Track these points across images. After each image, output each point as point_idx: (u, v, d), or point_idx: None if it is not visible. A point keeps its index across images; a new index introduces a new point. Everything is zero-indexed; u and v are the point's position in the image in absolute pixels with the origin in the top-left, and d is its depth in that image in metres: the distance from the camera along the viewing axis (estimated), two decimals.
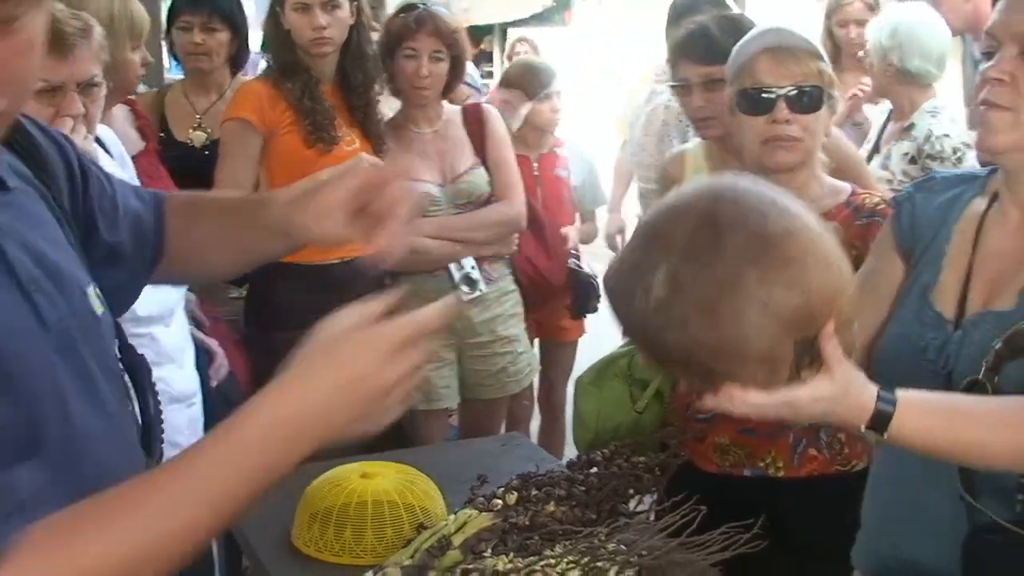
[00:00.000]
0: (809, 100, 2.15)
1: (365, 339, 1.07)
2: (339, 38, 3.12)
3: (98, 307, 1.23)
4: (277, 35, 3.15)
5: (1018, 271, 1.57)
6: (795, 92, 2.13)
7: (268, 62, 3.27)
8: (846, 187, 2.25)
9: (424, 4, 3.27)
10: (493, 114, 3.51)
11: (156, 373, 2.29)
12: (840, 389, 1.36)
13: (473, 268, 3.30)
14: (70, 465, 1.07)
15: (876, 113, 3.85)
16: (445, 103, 3.43)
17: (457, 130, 3.39)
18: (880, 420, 1.37)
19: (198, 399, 2.56)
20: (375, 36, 3.35)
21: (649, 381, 2.35)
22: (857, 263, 2.09)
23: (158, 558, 0.98)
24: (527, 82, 4.05)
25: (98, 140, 2.51)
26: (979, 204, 1.68)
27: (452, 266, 3.28)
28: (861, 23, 4.19)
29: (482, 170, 3.36)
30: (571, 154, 4.19)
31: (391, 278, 3.40)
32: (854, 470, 2.21)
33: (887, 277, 1.75)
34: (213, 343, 2.80)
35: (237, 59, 3.62)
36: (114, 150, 2.56)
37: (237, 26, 3.55)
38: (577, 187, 4.11)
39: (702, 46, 2.59)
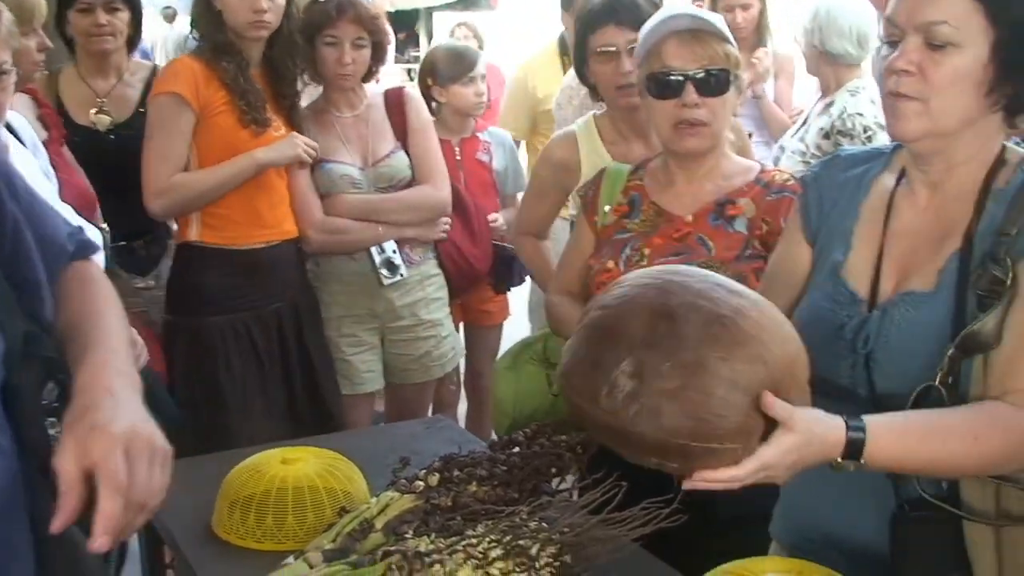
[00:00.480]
0: (717, 83, 2.17)
1: None
2: (275, 23, 3.10)
3: None
4: (209, 14, 3.10)
5: (934, 252, 1.59)
6: (703, 75, 2.15)
7: (195, 39, 3.20)
8: (755, 165, 2.30)
9: None
10: (415, 98, 3.50)
11: None
12: (803, 438, 1.41)
13: (395, 252, 3.29)
14: None
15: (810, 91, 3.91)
16: (367, 86, 3.41)
17: (378, 114, 3.38)
18: (854, 449, 1.44)
19: None
20: None
21: None
22: (769, 236, 2.13)
23: None
24: (448, 66, 4.03)
25: (9, 128, 2.46)
26: (886, 180, 1.70)
27: (373, 249, 3.27)
28: (746, 7, 4.29)
29: (403, 154, 3.35)
30: (493, 139, 4.18)
31: (313, 263, 3.38)
32: None
33: (796, 261, 1.78)
34: (132, 331, 2.75)
35: (133, 40, 3.55)
36: (26, 137, 2.50)
37: (135, 6, 3.48)
38: (499, 172, 4.10)
39: (631, 11, 2.61)
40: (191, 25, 3.23)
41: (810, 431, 1.42)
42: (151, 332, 3.04)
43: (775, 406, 1.39)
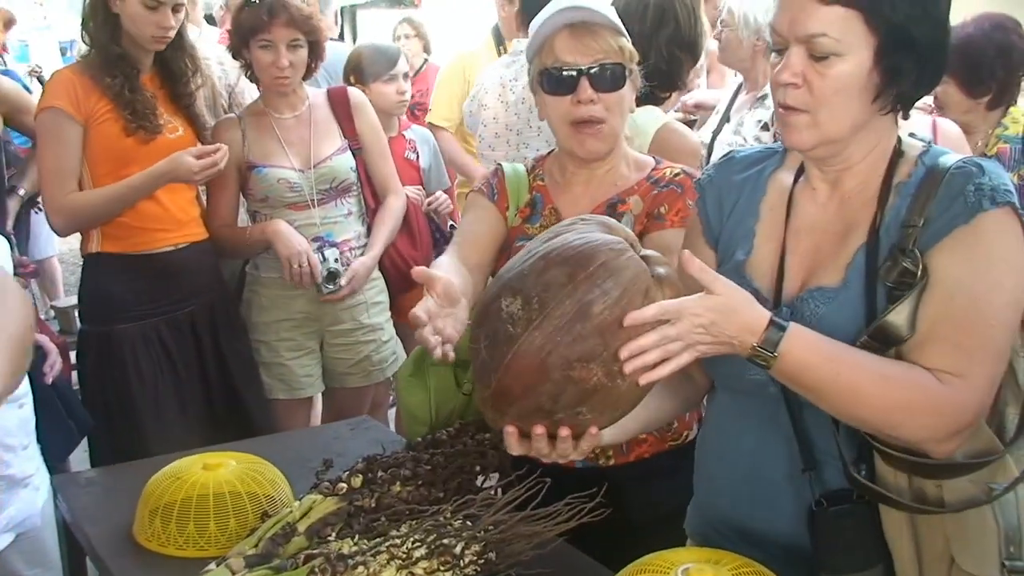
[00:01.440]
0: (612, 78, 2.11)
1: None
2: (173, 35, 3.05)
3: None
4: (106, 24, 3.01)
5: (838, 247, 1.60)
6: (597, 70, 2.09)
7: (87, 44, 3.13)
8: (650, 161, 2.24)
9: None
10: (361, 98, 3.46)
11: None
12: (726, 302, 1.42)
13: (336, 260, 3.22)
14: None
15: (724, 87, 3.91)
16: (307, 87, 3.37)
17: (322, 113, 3.34)
18: (771, 338, 1.43)
19: (28, 399, 2.46)
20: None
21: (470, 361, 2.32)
22: (649, 229, 2.10)
23: None
24: (370, 64, 4.01)
25: None
26: (784, 178, 1.71)
27: (305, 267, 3.16)
28: None
29: (348, 155, 3.31)
30: (417, 137, 4.18)
31: (253, 267, 3.34)
32: (687, 441, 2.24)
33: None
34: (45, 339, 2.70)
35: None
36: None
37: None
38: (424, 169, 4.10)
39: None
40: (81, 26, 3.14)
41: (733, 302, 1.42)
42: (63, 342, 2.98)
43: (695, 269, 1.41)
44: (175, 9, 3.00)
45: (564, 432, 1.50)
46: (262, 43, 3.15)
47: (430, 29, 6.63)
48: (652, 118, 2.76)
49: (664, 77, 2.80)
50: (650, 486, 2.17)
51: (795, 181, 1.68)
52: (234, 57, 3.29)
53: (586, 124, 2.11)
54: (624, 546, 1.65)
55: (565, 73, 2.10)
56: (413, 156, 4.06)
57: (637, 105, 2.30)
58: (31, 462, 2.47)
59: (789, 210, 1.66)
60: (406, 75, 4.05)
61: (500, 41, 4.66)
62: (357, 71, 4.04)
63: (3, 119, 3.73)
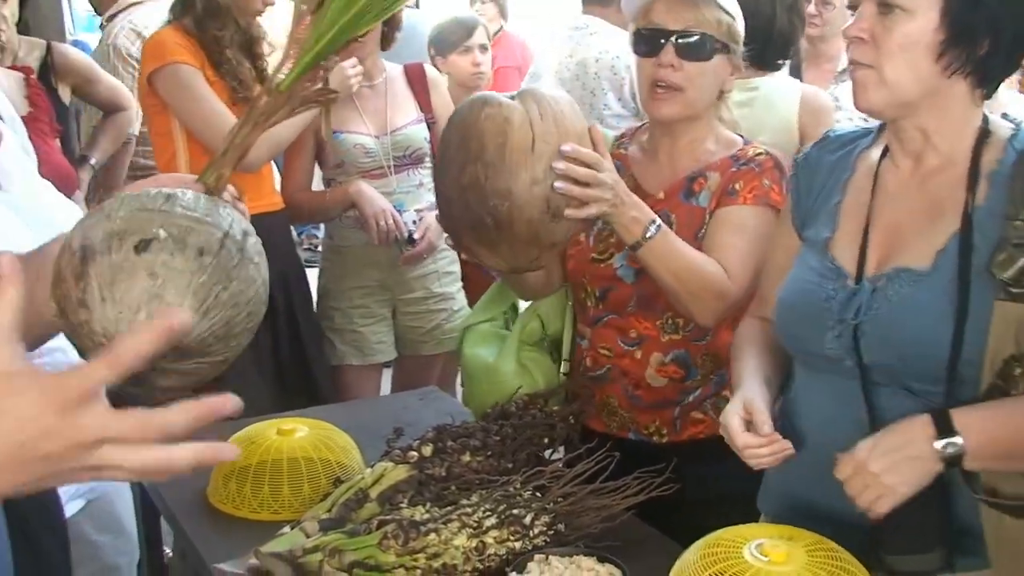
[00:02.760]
0: (696, 47, 2.09)
1: (32, 396, 0.82)
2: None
3: None
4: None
5: (925, 227, 1.60)
6: (684, 36, 2.09)
7: (181, 6, 3.14)
8: (738, 141, 2.22)
9: None
10: (436, 75, 3.47)
11: None
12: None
13: (414, 223, 3.22)
14: None
15: None
16: (386, 62, 3.38)
17: (399, 87, 3.36)
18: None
19: None
20: None
21: (539, 335, 2.33)
22: (722, 203, 2.10)
23: None
24: (447, 36, 4.01)
25: None
26: (872, 156, 1.71)
27: (392, 228, 3.15)
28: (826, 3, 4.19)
29: (423, 126, 3.33)
30: None
31: (327, 236, 3.38)
32: None
33: (789, 248, 1.79)
34: None
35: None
36: (4, 112, 2.47)
37: None
38: None
39: None
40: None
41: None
42: None
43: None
44: None
45: None
46: None
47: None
48: (788, 83, 2.90)
49: (784, 42, 2.97)
50: (703, 467, 2.16)
51: (881, 159, 1.67)
52: None
53: (662, 87, 2.12)
54: (695, 522, 1.66)
55: (653, 35, 2.11)
56: None
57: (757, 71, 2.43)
58: None
59: (874, 186, 1.65)
60: (484, 47, 4.02)
61: None
62: (436, 42, 4.04)
63: (72, 89, 3.78)
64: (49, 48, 3.66)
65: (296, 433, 2.01)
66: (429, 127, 3.33)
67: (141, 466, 0.84)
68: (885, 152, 1.68)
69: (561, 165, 1.81)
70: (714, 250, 2.05)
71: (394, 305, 3.39)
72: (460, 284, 3.50)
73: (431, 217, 3.24)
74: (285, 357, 3.25)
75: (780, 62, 3.07)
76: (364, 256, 3.27)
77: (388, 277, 3.32)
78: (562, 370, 2.30)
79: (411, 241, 3.22)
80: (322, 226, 3.69)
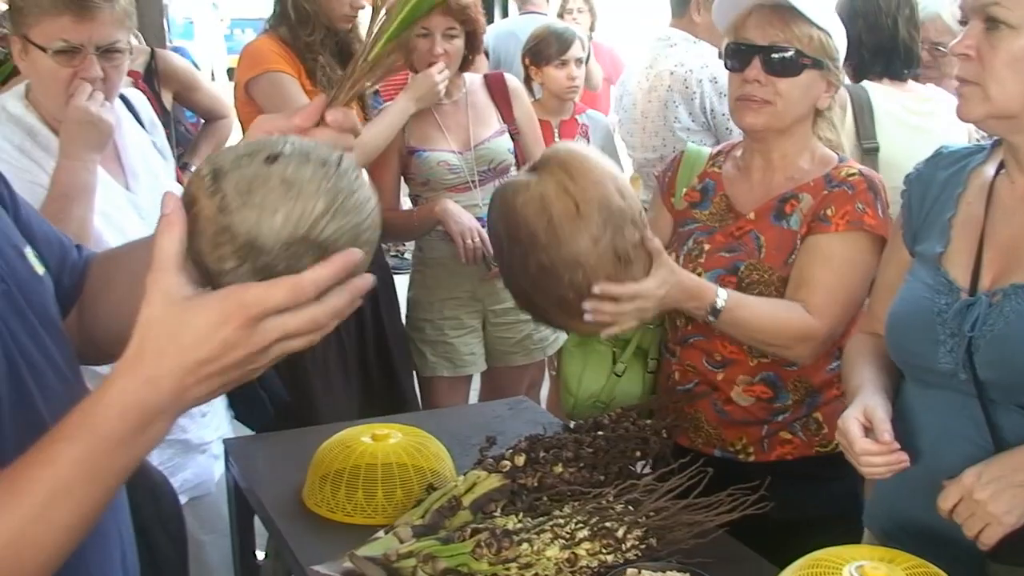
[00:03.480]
0: (784, 63, 2.07)
1: (213, 314, 0.96)
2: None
3: (38, 267, 1.19)
4: (298, 9, 3.10)
5: None
6: (772, 52, 2.08)
7: (278, 17, 3.20)
8: (833, 158, 2.20)
9: None
10: (517, 84, 3.49)
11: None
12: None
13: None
14: (29, 427, 1.05)
15: None
16: (466, 74, 3.39)
17: (480, 98, 3.38)
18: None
19: (217, 447, 2.51)
20: None
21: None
22: (814, 229, 2.08)
23: (27, 554, 0.97)
24: (544, 47, 4.03)
25: (128, 104, 2.47)
26: (985, 172, 1.70)
27: (480, 246, 3.15)
28: None
29: (506, 137, 3.35)
30: (591, 121, 4.17)
31: (417, 248, 3.41)
32: (837, 450, 2.19)
33: (900, 266, 1.78)
34: None
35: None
36: (144, 116, 2.52)
37: None
38: None
39: None
40: (274, 4, 3.22)
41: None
42: None
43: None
44: None
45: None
46: (420, 31, 3.17)
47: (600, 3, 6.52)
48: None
49: (909, 54, 3.08)
50: (791, 488, 2.13)
51: (996, 174, 1.65)
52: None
53: (748, 99, 2.12)
54: (789, 543, 1.64)
55: (741, 50, 2.11)
56: (584, 141, 4.06)
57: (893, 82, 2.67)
58: (209, 429, 2.52)
59: (989, 202, 1.63)
60: (579, 60, 4.04)
61: None
62: (532, 52, 4.07)
63: (173, 96, 3.86)
64: (153, 54, 3.75)
65: (390, 439, 2.03)
66: (512, 138, 3.34)
67: (309, 328, 0.98)
68: (1000, 168, 1.66)
69: (588, 308, 1.86)
70: (801, 286, 2.05)
71: (484, 316, 3.41)
72: None
73: None
74: (372, 366, 3.29)
75: (907, 72, 3.11)
76: (455, 268, 3.30)
77: (479, 288, 3.35)
78: (615, 370, 2.31)
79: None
80: None
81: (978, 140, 2.81)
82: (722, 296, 2.01)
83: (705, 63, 3.59)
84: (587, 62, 4.33)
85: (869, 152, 3.11)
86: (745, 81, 2.10)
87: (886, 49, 3.06)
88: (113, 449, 0.98)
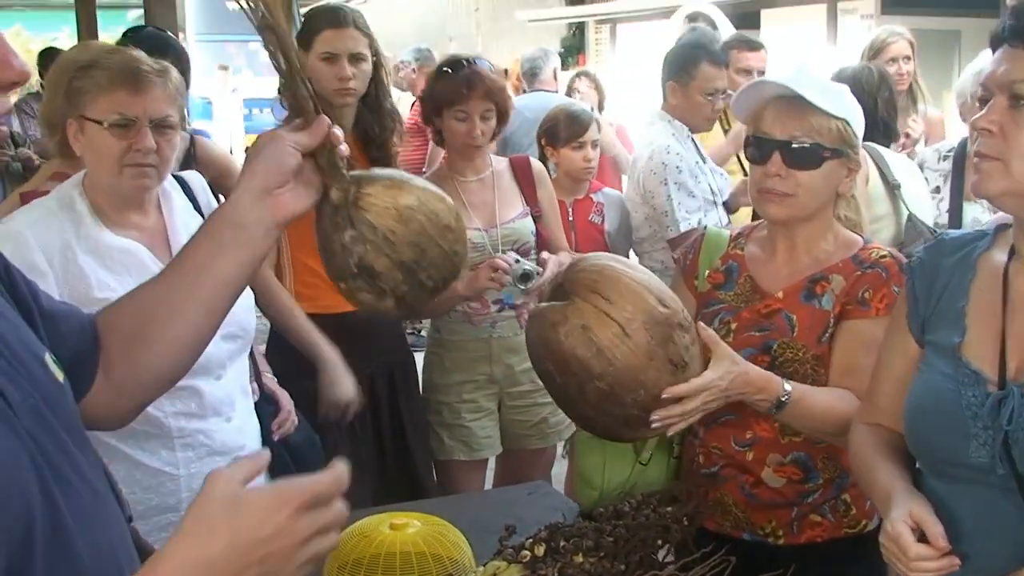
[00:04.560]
0: (804, 156, 2.08)
1: (266, 500, 1.04)
2: (361, 89, 3.15)
3: (59, 374, 1.20)
4: None
5: None
6: (791, 146, 2.09)
7: (284, 107, 3.25)
8: (858, 240, 2.21)
9: (469, 61, 3.30)
10: (540, 168, 3.53)
11: (196, 425, 2.31)
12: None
13: (517, 261, 3.15)
14: (63, 545, 1.05)
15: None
16: (492, 156, 3.44)
17: (505, 180, 3.41)
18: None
19: (247, 452, 2.41)
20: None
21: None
22: (849, 313, 2.09)
23: None
24: (561, 129, 4.07)
25: (184, 185, 2.51)
26: (996, 257, 1.68)
27: (504, 264, 3.12)
28: (908, 59, 4.42)
29: (529, 220, 3.37)
30: (606, 199, 4.20)
31: (434, 329, 3.40)
32: (866, 530, 2.18)
33: (906, 352, 1.76)
34: (283, 396, 2.77)
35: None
36: (202, 199, 2.54)
37: (187, 80, 3.56)
38: (610, 233, 4.10)
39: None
40: (278, 92, 3.27)
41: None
42: None
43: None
44: (353, 60, 3.09)
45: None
46: (458, 114, 3.24)
47: (605, 83, 6.63)
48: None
49: (888, 129, 3.53)
50: (820, 571, 2.11)
51: (1008, 260, 1.64)
52: (425, 123, 3.38)
53: (770, 192, 2.13)
54: None
55: (761, 143, 2.13)
56: (598, 219, 4.06)
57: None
58: (237, 435, 2.44)
59: (1005, 290, 1.62)
60: (595, 143, 4.08)
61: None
62: (548, 133, 4.11)
63: (208, 182, 3.89)
64: (192, 140, 3.79)
65: (408, 528, 2.01)
66: (535, 219, 3.36)
67: (336, 523, 1.08)
68: (1012, 254, 1.64)
69: (658, 418, 1.91)
70: (847, 374, 2.05)
71: (501, 399, 3.39)
72: None
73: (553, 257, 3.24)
74: (387, 449, 3.27)
75: (886, 143, 3.47)
76: (473, 350, 3.30)
77: (496, 371, 3.34)
78: (641, 459, 2.30)
79: (526, 279, 3.19)
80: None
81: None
82: (787, 388, 2.01)
83: (668, 144, 3.77)
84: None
85: (897, 188, 3.39)
86: (766, 175, 2.12)
87: (867, 124, 3.18)
88: None
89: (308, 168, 1.41)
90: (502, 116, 3.33)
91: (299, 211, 1.42)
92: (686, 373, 1.91)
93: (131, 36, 3.66)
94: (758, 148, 2.13)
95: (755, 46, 4.77)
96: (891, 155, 3.50)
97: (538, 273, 3.12)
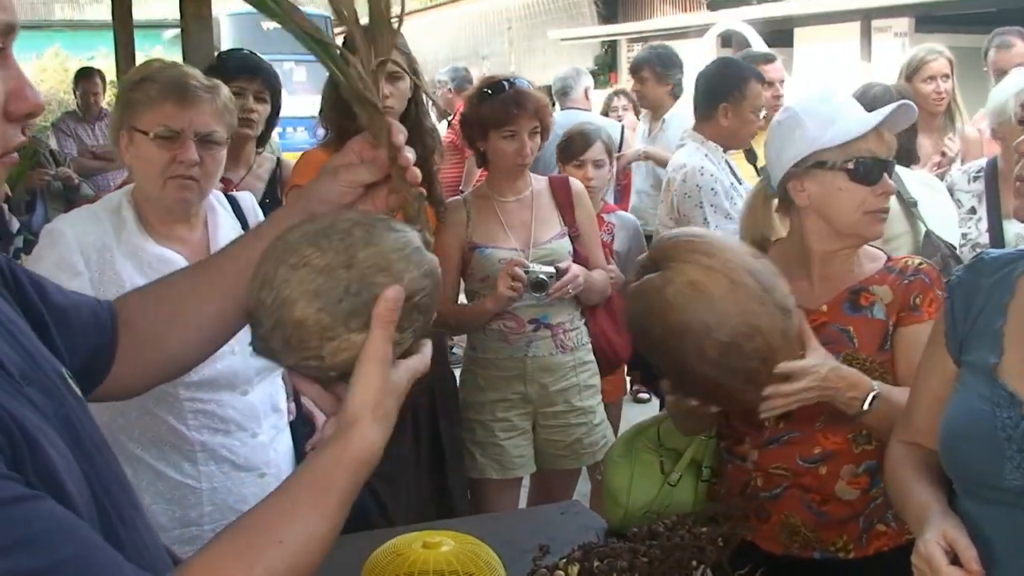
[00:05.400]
0: (891, 172, 2.18)
1: (403, 383, 1.22)
2: (399, 108, 3.16)
3: (77, 389, 1.21)
4: (337, 102, 3.17)
5: None
6: (892, 164, 2.18)
7: (325, 128, 3.28)
8: (880, 254, 2.27)
9: (509, 81, 3.32)
10: (580, 187, 3.54)
11: (220, 440, 2.32)
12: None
13: (529, 272, 3.20)
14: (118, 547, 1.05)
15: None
16: (532, 175, 3.46)
17: (544, 200, 3.43)
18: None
19: (274, 470, 2.42)
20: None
21: (680, 451, 2.35)
22: (904, 320, 2.12)
23: (300, 571, 1.10)
24: (565, 146, 4.09)
25: (235, 205, 2.53)
26: None
27: (519, 272, 3.20)
28: (946, 78, 4.41)
29: (567, 240, 3.38)
30: (618, 221, 4.20)
31: (470, 347, 3.41)
32: None
33: (943, 371, 1.75)
34: (320, 418, 2.78)
35: (264, 136, 3.68)
36: (251, 218, 2.55)
37: (276, 102, 3.61)
38: (619, 254, 4.10)
39: None
40: (318, 115, 3.30)
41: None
42: None
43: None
44: (390, 79, 3.09)
45: None
46: (507, 134, 3.26)
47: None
48: None
49: (909, 154, 3.53)
50: None
51: None
52: (468, 145, 3.40)
53: (879, 211, 2.17)
54: None
55: (874, 163, 2.15)
56: (607, 237, 4.08)
57: None
58: (260, 450, 2.43)
59: None
60: (598, 163, 4.06)
61: None
62: (560, 148, 4.13)
63: None
64: (278, 162, 3.83)
65: (442, 546, 2.01)
66: (572, 239, 3.37)
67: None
68: None
69: (769, 392, 1.95)
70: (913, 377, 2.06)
71: (535, 418, 3.39)
72: (600, 398, 3.49)
73: (576, 267, 3.29)
74: (424, 468, 3.26)
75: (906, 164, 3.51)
76: (508, 368, 3.30)
77: (530, 390, 3.34)
78: (669, 479, 2.30)
79: (539, 287, 3.19)
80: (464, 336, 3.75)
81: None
82: (875, 385, 2.04)
83: (702, 165, 3.77)
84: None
85: (913, 205, 3.41)
86: (875, 195, 2.14)
87: None
88: (347, 500, 1.16)
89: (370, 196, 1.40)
90: (545, 133, 3.36)
91: None
92: (793, 321, 1.93)
93: (225, 58, 3.71)
94: (870, 169, 2.15)
95: (770, 58, 4.92)
96: (908, 173, 3.51)
97: (553, 277, 3.14)
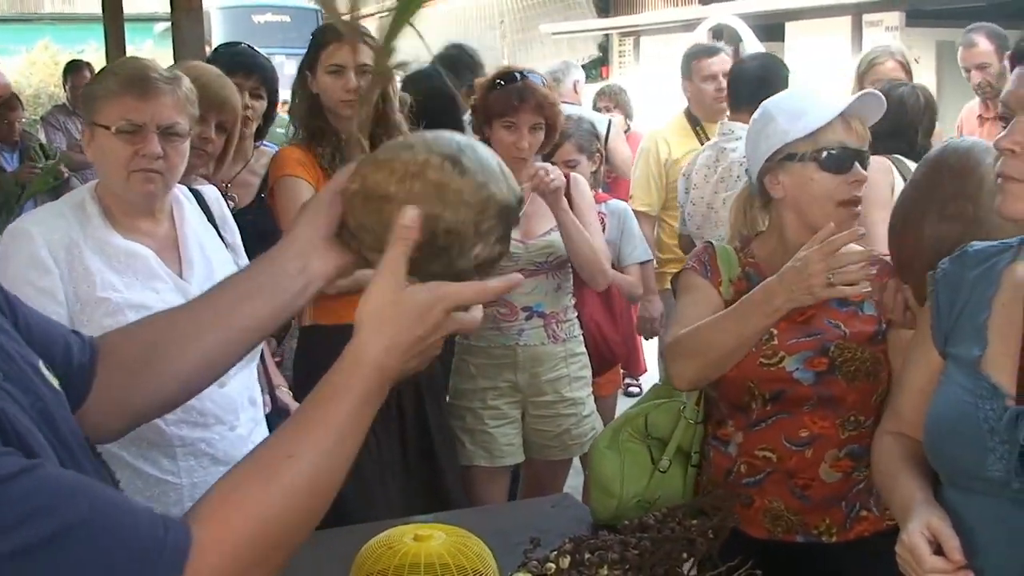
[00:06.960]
0: (865, 161, 2.20)
1: (427, 298, 1.20)
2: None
3: (53, 381, 1.20)
4: (305, 99, 3.19)
5: None
6: (864, 153, 2.20)
7: (295, 127, 3.29)
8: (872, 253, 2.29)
9: (522, 73, 3.31)
10: (580, 180, 3.53)
11: (198, 434, 2.31)
12: None
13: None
14: None
15: None
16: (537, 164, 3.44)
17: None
18: None
19: None
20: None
21: (666, 439, 2.35)
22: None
23: (319, 488, 1.15)
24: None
25: (199, 198, 2.52)
26: (1019, 272, 1.66)
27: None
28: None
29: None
30: (609, 210, 4.18)
31: (462, 335, 3.41)
32: None
33: (927, 364, 1.76)
34: (294, 406, 2.77)
35: (262, 130, 3.68)
36: (216, 212, 2.55)
37: (272, 97, 3.61)
38: (609, 243, 4.09)
39: None
40: (288, 114, 3.29)
41: None
42: None
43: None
44: (358, 71, 3.10)
45: None
46: (506, 124, 3.25)
47: (630, 97, 6.64)
48: None
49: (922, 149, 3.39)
50: (871, 567, 2.12)
51: None
52: (476, 133, 3.39)
53: (852, 202, 2.18)
54: None
55: (840, 153, 2.17)
56: (600, 228, 4.06)
57: None
58: (239, 443, 2.41)
59: None
60: (570, 163, 3.96)
61: (696, 122, 4.71)
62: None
63: None
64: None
65: (433, 539, 2.01)
66: None
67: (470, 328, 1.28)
68: None
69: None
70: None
71: (524, 407, 3.39)
72: (590, 390, 3.50)
73: None
74: (412, 457, 3.26)
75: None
76: (499, 356, 3.31)
77: (520, 379, 3.34)
78: (660, 467, 2.31)
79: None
80: None
81: None
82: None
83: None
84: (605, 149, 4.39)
85: None
86: (849, 183, 2.17)
87: (898, 140, 3.28)
88: (369, 404, 1.19)
89: None
90: (551, 130, 3.33)
91: (344, 265, 1.40)
92: None
93: (222, 51, 3.72)
94: (840, 158, 2.18)
95: (713, 51, 4.82)
96: (915, 165, 3.51)
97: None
